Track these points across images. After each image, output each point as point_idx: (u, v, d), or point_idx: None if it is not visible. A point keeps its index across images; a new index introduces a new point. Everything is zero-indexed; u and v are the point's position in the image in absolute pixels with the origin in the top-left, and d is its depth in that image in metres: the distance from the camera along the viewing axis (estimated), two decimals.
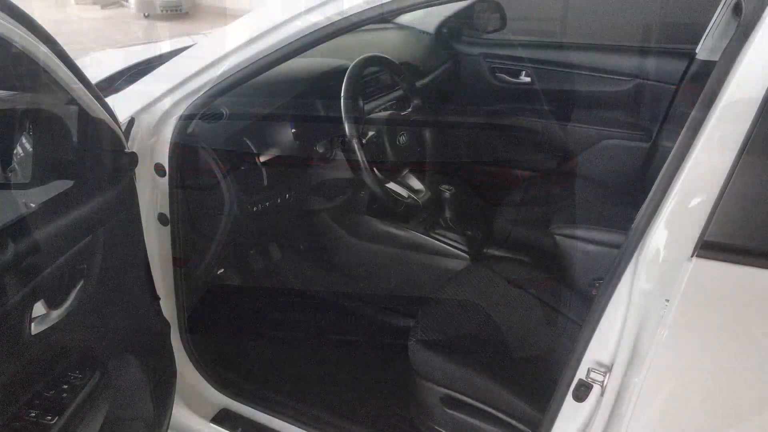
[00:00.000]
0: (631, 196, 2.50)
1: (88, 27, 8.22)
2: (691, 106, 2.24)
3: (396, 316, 2.13)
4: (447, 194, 1.95)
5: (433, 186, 1.81)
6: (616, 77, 2.45)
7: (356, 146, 1.49)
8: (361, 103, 1.70)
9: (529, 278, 1.78)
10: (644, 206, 1.05)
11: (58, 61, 0.97)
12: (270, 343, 2.01)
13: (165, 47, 2.07)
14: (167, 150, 1.40)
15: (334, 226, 2.12)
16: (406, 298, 2.14)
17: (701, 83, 2.22)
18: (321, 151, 1.66)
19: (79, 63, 2.21)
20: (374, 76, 2.03)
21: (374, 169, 1.56)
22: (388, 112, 1.68)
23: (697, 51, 2.27)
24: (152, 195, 1.45)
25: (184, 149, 1.42)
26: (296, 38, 1.24)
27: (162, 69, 1.40)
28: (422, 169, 1.82)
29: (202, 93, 1.36)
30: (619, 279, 1.06)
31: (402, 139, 1.66)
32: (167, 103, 1.37)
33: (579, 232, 1.82)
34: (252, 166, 1.56)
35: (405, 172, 1.73)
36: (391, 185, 1.66)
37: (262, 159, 1.57)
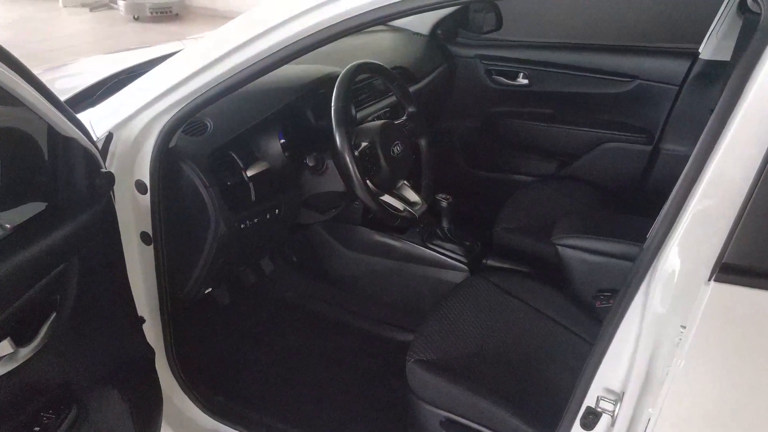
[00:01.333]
0: (633, 201, 2.46)
1: (76, 30, 8.12)
2: (694, 108, 2.14)
3: (393, 330, 2.06)
4: (444, 203, 1.88)
5: (429, 197, 1.74)
6: (616, 78, 2.38)
7: (348, 159, 1.41)
8: (353, 111, 1.63)
9: (531, 291, 1.71)
10: (657, 223, 0.98)
11: (18, 79, 0.89)
12: (262, 363, 1.94)
13: (154, 52, 1.99)
14: (148, 166, 1.33)
15: (328, 237, 2.05)
16: (403, 311, 2.07)
17: (705, 83, 2.17)
18: (311, 164, 1.58)
19: (66, 70, 2.16)
20: (367, 82, 1.96)
21: (367, 182, 1.48)
22: (382, 121, 1.60)
23: (700, 50, 2.21)
24: (134, 213, 1.38)
25: (166, 165, 1.35)
26: (287, 44, 1.17)
27: (143, 79, 1.33)
28: (418, 180, 1.75)
29: (185, 105, 1.29)
30: (630, 301, 0.99)
31: (396, 149, 1.58)
32: (148, 116, 1.30)
33: (582, 243, 1.75)
34: (239, 181, 1.48)
35: (400, 184, 1.65)
36: (386, 198, 1.58)
37: (250, 173, 1.49)
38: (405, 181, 1.68)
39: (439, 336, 1.52)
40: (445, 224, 1.94)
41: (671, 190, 1.92)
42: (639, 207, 2.41)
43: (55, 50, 6.69)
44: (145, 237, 1.40)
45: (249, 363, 1.93)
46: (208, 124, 1.47)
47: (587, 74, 2.42)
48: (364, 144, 1.51)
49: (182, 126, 1.35)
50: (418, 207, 1.64)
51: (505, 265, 1.96)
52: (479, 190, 2.69)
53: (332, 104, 1.43)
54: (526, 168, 2.63)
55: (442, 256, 1.93)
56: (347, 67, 1.52)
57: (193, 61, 1.24)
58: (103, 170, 1.14)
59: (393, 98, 2.01)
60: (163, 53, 1.83)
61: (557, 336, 1.59)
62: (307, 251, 2.13)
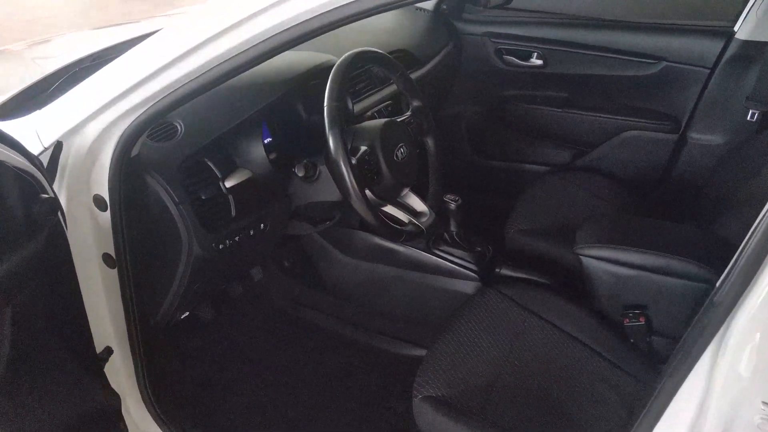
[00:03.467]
0: (656, 195, 2.26)
1: (63, 2, 7.77)
2: (726, 93, 1.87)
3: (395, 343, 1.88)
4: (452, 205, 1.67)
5: (437, 205, 1.52)
6: (640, 59, 2.15)
7: (344, 167, 1.20)
8: (350, 104, 1.41)
9: (551, 306, 1.53)
10: (731, 270, 0.78)
11: None
12: (250, 386, 1.75)
13: (139, 29, 1.76)
14: (107, 179, 1.13)
15: (323, 241, 1.85)
16: (406, 323, 1.88)
17: (740, 67, 1.94)
18: (301, 174, 1.37)
19: (49, 48, 1.92)
20: (365, 68, 1.73)
21: (366, 192, 1.27)
22: (383, 120, 1.38)
23: (735, 29, 1.99)
24: (93, 233, 1.18)
25: (127, 177, 1.14)
26: (277, 32, 0.96)
27: (99, 75, 1.11)
28: (423, 183, 1.53)
29: (149, 106, 1.08)
30: (694, 361, 0.81)
31: (400, 152, 1.37)
32: (104, 120, 1.10)
33: (609, 253, 1.55)
34: (216, 194, 1.27)
35: (405, 192, 1.44)
36: (389, 209, 1.37)
37: (229, 184, 1.28)
38: (410, 189, 1.46)
39: (449, 366, 1.34)
40: (453, 228, 1.74)
41: (697, 183, 1.71)
42: (662, 201, 2.22)
43: (35, 21, 6.37)
44: (107, 259, 1.21)
45: (236, 387, 1.74)
46: (178, 127, 1.26)
47: (608, 54, 2.19)
48: (362, 148, 1.29)
49: (146, 131, 1.14)
50: (425, 218, 1.43)
51: (521, 275, 1.76)
52: (487, 181, 2.48)
53: (325, 103, 1.21)
54: (538, 157, 2.42)
55: (451, 264, 1.74)
56: (342, 57, 1.29)
57: (161, 53, 1.03)
58: (44, 196, 0.93)
59: (395, 86, 1.79)
60: (146, 31, 1.60)
61: (583, 361, 1.41)
62: (299, 255, 1.92)
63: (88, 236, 1.18)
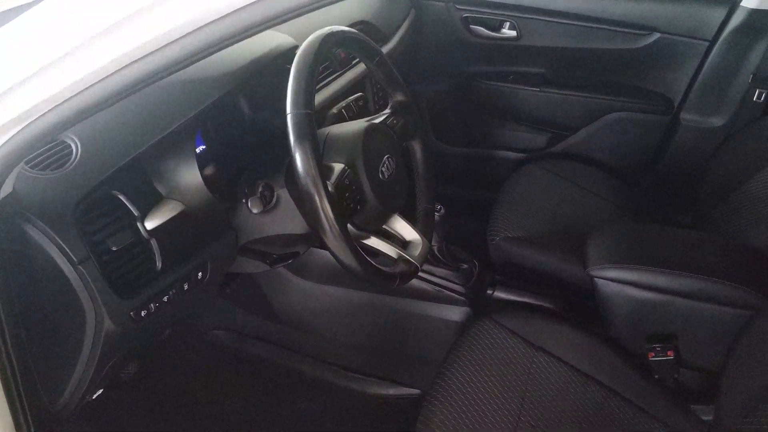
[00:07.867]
0: (645, 184, 2.03)
1: None
2: (728, 69, 1.66)
3: (365, 381, 1.57)
4: (435, 217, 1.36)
5: (430, 227, 1.19)
6: (629, 30, 1.89)
7: (318, 201, 0.84)
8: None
9: (562, 340, 1.28)
10: None
11: None
12: None
13: None
14: None
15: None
16: (378, 356, 1.57)
17: (746, 39, 1.70)
18: (256, 211, 1.00)
19: None
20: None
21: (346, 228, 0.92)
22: (362, 124, 1.01)
23: None
24: None
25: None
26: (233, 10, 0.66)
27: None
28: (414, 206, 1.19)
29: (31, 120, 0.72)
30: None
31: (386, 167, 1.02)
32: None
33: (630, 276, 1.29)
34: (133, 241, 0.89)
35: (392, 217, 1.09)
36: (372, 241, 1.03)
37: (151, 225, 0.89)
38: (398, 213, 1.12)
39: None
40: (435, 243, 1.43)
41: (692, 171, 1.49)
42: (652, 191, 2.00)
43: None
44: None
45: None
46: (74, 148, 0.86)
47: (592, 25, 1.91)
48: (339, 167, 0.94)
49: (23, 159, 0.76)
50: (418, 250, 1.09)
51: (518, 298, 1.48)
52: (452, 170, 2.19)
53: (288, 110, 0.84)
54: (510, 143, 2.15)
55: (434, 286, 1.44)
56: (306, 42, 0.91)
57: (50, 37, 0.70)
58: None
59: (360, 68, 1.43)
60: None
61: (606, 408, 1.17)
62: (243, 277, 1.57)
63: None
